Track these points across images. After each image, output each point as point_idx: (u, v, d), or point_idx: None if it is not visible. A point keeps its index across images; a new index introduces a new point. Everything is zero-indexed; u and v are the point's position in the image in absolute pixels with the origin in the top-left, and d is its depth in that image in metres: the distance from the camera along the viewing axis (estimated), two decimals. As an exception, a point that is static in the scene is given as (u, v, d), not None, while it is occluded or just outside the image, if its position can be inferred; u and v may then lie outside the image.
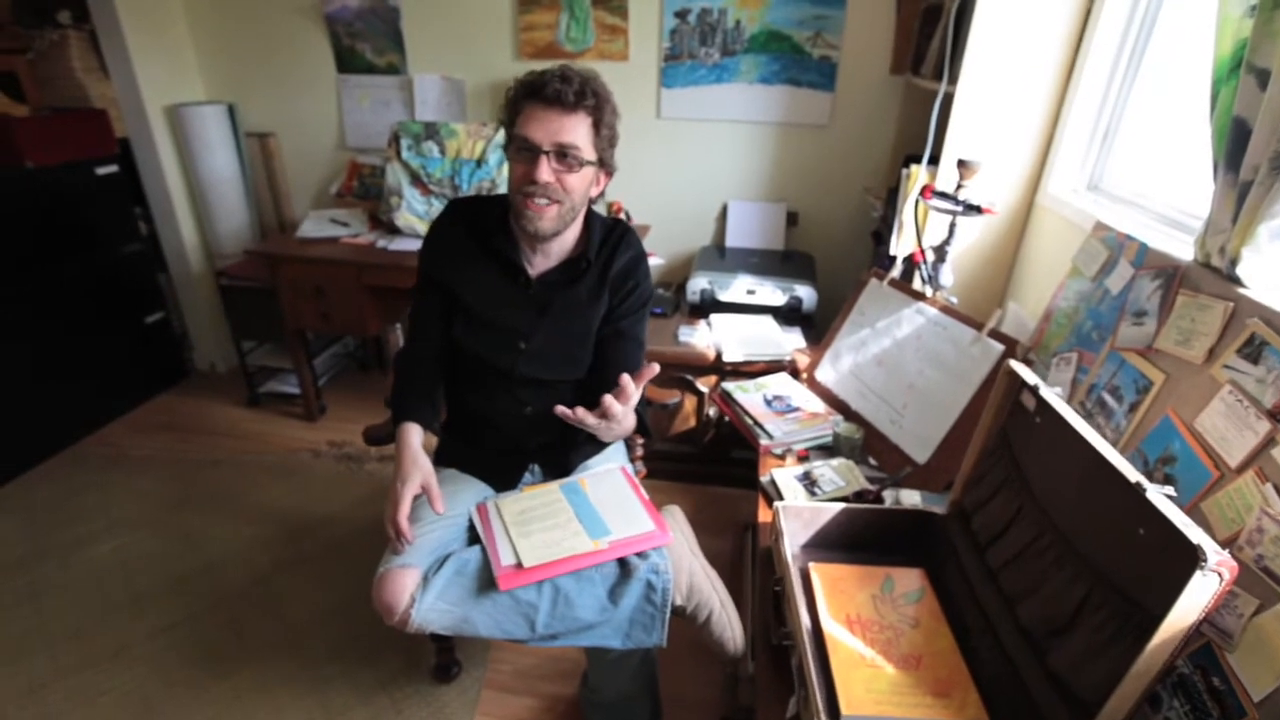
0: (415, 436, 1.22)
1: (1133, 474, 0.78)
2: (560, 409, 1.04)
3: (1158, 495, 0.75)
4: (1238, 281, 0.92)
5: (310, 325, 2.42)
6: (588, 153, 1.15)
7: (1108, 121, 1.55)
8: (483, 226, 1.28)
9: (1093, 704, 0.78)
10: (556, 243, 1.26)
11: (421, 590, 1.09)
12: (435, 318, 1.31)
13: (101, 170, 2.50)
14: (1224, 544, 0.80)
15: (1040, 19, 1.56)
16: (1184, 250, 1.08)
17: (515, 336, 1.27)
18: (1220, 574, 0.67)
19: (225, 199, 2.70)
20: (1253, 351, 0.85)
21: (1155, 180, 1.43)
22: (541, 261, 1.28)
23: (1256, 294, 0.89)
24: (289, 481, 2.30)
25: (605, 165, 1.21)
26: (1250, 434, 0.81)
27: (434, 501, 1.16)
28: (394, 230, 2.38)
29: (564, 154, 1.13)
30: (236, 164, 2.71)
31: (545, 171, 1.12)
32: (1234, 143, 0.89)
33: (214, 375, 3.02)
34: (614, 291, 1.29)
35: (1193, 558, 0.67)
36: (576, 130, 1.13)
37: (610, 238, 1.30)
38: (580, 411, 1.03)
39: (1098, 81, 1.54)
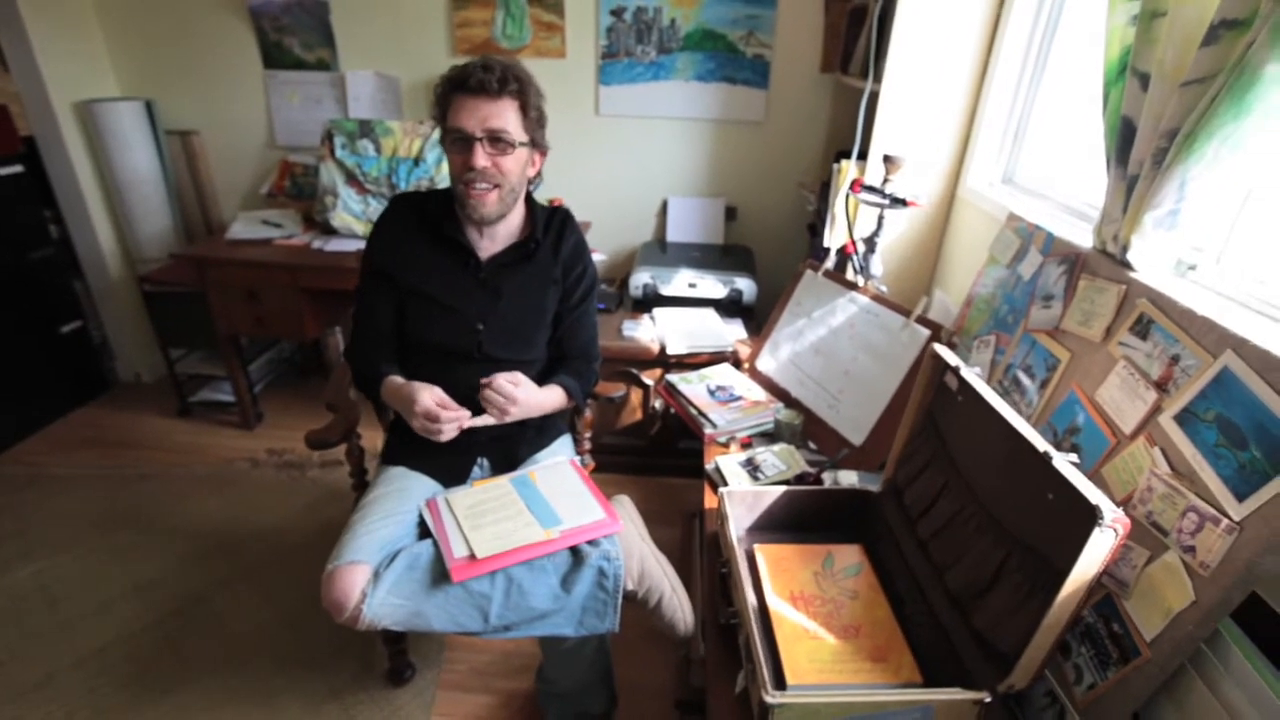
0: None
1: (1041, 444, 0.85)
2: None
3: (1063, 462, 0.82)
4: (1129, 266, 1.01)
5: (244, 330, 2.34)
6: (518, 134, 1.22)
7: (1018, 119, 1.66)
8: (430, 216, 1.33)
9: (1011, 656, 0.85)
10: (502, 226, 1.33)
11: (372, 586, 1.08)
12: (385, 307, 1.35)
13: (3, 170, 2.34)
14: (1120, 503, 0.88)
15: (956, 23, 1.65)
16: (1085, 238, 1.17)
17: (472, 319, 1.32)
18: (1115, 529, 0.74)
19: (146, 200, 2.57)
20: (1142, 329, 0.93)
21: (1059, 174, 1.54)
22: (489, 245, 1.34)
23: (1144, 277, 0.98)
24: (226, 493, 2.22)
25: (538, 145, 1.28)
26: (1140, 403, 0.90)
27: (447, 409, 1.20)
28: (329, 231, 2.32)
29: (496, 138, 1.20)
30: (157, 163, 2.58)
31: (481, 157, 1.19)
32: (1122, 139, 0.98)
33: (139, 386, 2.87)
34: (565, 274, 1.38)
35: (1092, 516, 0.74)
36: (504, 115, 1.20)
37: (554, 220, 1.40)
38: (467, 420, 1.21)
39: (1009, 82, 1.65)
